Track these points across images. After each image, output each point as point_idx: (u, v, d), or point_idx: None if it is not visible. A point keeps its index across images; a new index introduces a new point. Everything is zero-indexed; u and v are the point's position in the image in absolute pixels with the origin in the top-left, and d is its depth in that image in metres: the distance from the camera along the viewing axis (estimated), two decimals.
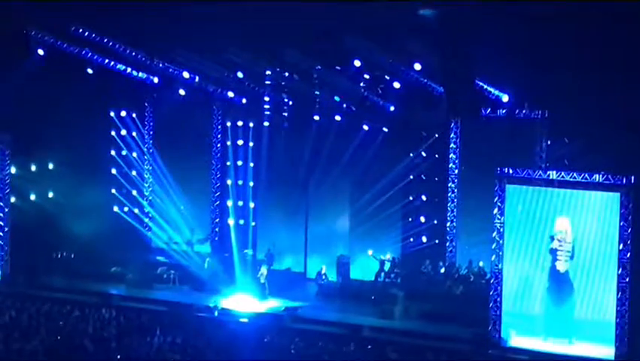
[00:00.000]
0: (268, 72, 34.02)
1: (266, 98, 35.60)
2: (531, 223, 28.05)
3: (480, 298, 29.98)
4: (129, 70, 34.98)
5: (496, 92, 32.09)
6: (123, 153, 38.18)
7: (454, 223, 34.53)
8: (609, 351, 26.83)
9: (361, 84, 33.67)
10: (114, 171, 38.15)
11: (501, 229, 28.25)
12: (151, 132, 38.84)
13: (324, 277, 34.78)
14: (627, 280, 26.72)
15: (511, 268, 28.33)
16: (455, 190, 34.45)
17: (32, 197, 36.59)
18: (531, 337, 28.04)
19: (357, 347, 27.25)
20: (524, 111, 32.36)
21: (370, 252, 34.81)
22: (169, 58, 34.14)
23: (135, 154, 38.24)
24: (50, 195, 37.23)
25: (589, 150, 29.61)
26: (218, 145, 37.72)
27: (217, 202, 37.82)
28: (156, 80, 36.09)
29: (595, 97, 28.76)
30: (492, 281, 28.77)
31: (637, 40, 27.54)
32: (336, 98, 34.38)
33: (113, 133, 38.07)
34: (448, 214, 34.52)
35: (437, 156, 34.85)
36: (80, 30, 33.17)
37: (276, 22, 30.98)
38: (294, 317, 31.18)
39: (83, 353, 25.02)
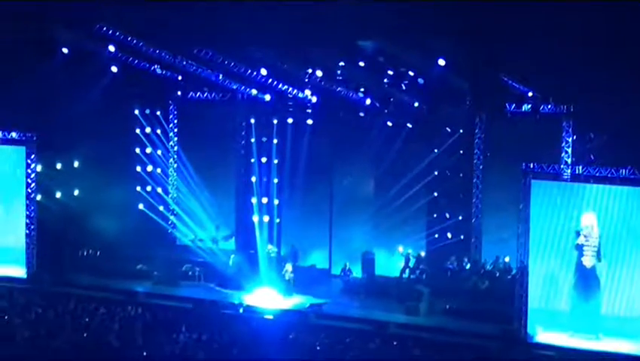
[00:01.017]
0: (292, 69, 33.96)
1: (290, 95, 35.55)
2: (557, 219, 27.98)
3: (505, 294, 29.90)
4: (153, 68, 35.02)
5: (521, 88, 31.93)
6: (148, 150, 38.26)
7: (479, 219, 34.47)
8: (637, 347, 26.73)
9: (385, 80, 33.58)
10: (138, 168, 38.21)
11: (527, 225, 28.16)
12: (175, 130, 38.94)
13: (348, 273, 34.78)
14: None
15: (537, 263, 28.24)
16: (480, 186, 34.40)
17: (58, 195, 36.69)
18: (558, 333, 27.95)
19: (382, 343, 27.23)
20: (549, 106, 32.21)
21: (400, 248, 34.79)
22: (193, 56, 34.11)
23: (159, 152, 38.31)
24: (76, 192, 37.35)
25: (615, 145, 29.47)
26: (242, 142, 37.75)
27: (242, 199, 37.84)
28: (180, 77, 36.12)
29: (621, 91, 28.58)
30: (517, 277, 28.69)
31: None
32: (360, 95, 34.31)
33: (137, 131, 38.13)
34: (473, 210, 34.46)
35: (461, 152, 34.77)
36: (105, 29, 33.23)
37: (300, 19, 30.94)
38: (319, 314, 31.20)
39: (109, 350, 25.14)
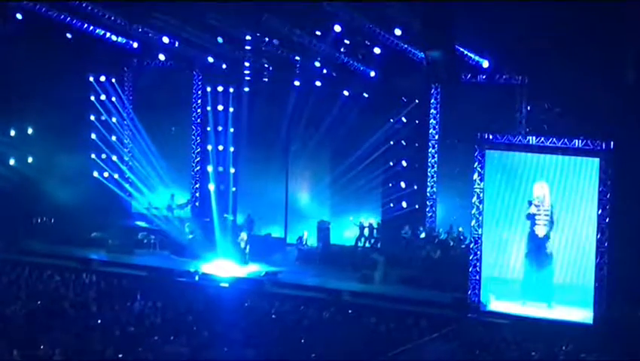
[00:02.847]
0: (248, 37, 33.86)
1: (247, 64, 35.45)
2: (511, 189, 28.16)
3: (459, 263, 30.14)
4: (108, 35, 34.73)
5: (476, 58, 32.06)
6: (103, 118, 38.00)
7: (434, 189, 34.65)
8: (588, 315, 27.05)
9: (342, 50, 33.58)
10: (93, 136, 37.95)
11: (481, 195, 28.36)
12: (131, 97, 38.69)
13: (304, 242, 34.88)
14: (606, 244, 26.93)
15: (491, 233, 28.46)
16: (435, 156, 34.56)
17: (12, 162, 36.38)
18: (511, 301, 28.22)
19: (337, 311, 27.37)
20: (504, 77, 32.43)
21: (351, 218, 34.97)
22: (149, 23, 33.87)
23: (114, 119, 38.05)
24: (30, 160, 37.03)
25: (568, 116, 29.73)
26: (198, 110, 37.66)
27: (198, 167, 37.79)
28: (135, 45, 35.89)
29: (575, 62, 28.76)
30: (471, 246, 28.91)
31: (617, 5, 27.51)
32: (317, 64, 34.29)
33: (92, 98, 37.85)
34: (428, 180, 34.64)
35: (417, 121, 34.90)
36: None
37: None
38: (274, 282, 31.29)
39: (63, 317, 25.06)
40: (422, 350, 24.19)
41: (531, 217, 27.88)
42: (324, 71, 34.62)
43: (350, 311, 27.76)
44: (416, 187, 34.80)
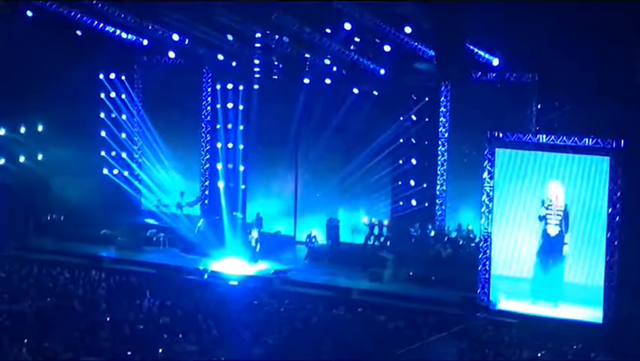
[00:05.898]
0: (258, 35, 33.83)
1: (256, 61, 35.43)
2: (521, 187, 28.12)
3: (469, 262, 30.11)
4: (118, 32, 34.74)
5: (487, 56, 31.99)
6: (113, 115, 38.03)
7: (443, 187, 34.59)
8: (597, 314, 26.99)
9: (352, 47, 33.53)
10: (103, 133, 37.98)
11: (491, 193, 28.31)
12: (141, 95, 38.66)
13: (313, 240, 34.84)
14: (616, 243, 26.87)
15: (501, 231, 28.40)
16: (445, 154, 34.48)
17: (22, 159, 36.40)
18: (520, 300, 28.17)
19: (346, 309, 27.35)
20: (514, 75, 32.35)
21: (364, 219, 34.86)
22: (159, 20, 33.87)
23: (124, 117, 38.07)
24: (40, 157, 37.04)
25: (579, 114, 29.66)
26: (208, 108, 37.62)
27: (207, 165, 37.77)
28: (145, 42, 35.88)
29: (586, 61, 28.69)
30: (481, 245, 28.86)
31: (627, 5, 27.43)
32: (327, 62, 34.25)
33: (102, 96, 37.87)
34: (438, 178, 34.58)
35: (427, 119, 34.85)
36: None
37: None
38: (283, 280, 31.28)
39: (72, 314, 25.08)
40: (431, 349, 24.18)
41: (543, 218, 27.81)
42: (334, 68, 34.57)
43: (359, 309, 27.76)
44: (425, 185, 34.75)
